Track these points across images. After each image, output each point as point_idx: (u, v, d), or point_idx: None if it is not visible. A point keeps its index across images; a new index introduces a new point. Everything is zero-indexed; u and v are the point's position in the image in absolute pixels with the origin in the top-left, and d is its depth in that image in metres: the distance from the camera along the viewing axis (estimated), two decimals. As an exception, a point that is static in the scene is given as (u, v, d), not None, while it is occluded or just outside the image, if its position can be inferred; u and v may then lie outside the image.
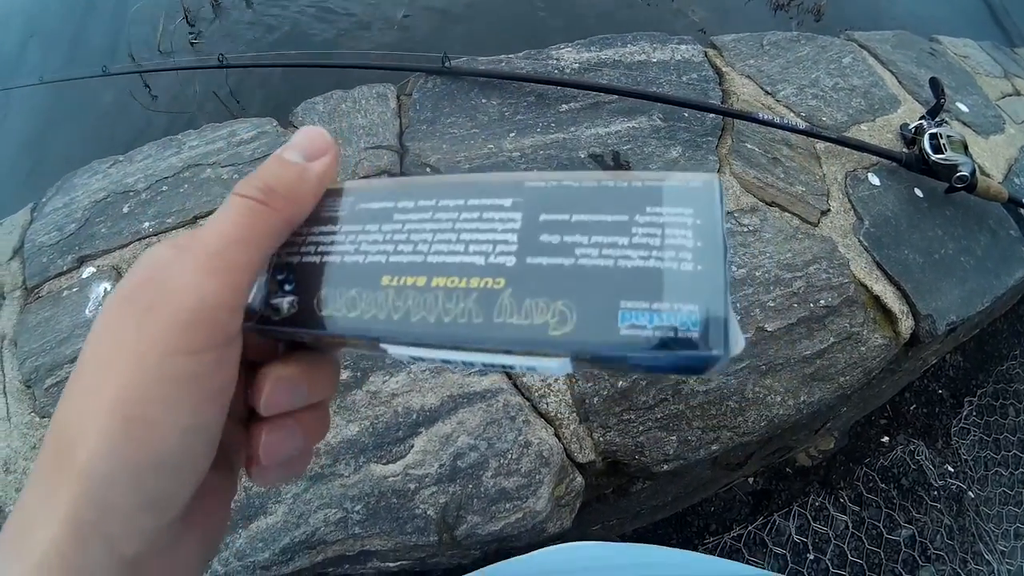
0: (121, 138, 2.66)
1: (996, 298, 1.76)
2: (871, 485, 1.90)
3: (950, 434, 2.05)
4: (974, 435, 2.06)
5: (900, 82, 2.06)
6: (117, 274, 1.45)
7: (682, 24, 2.98)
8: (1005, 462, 2.05)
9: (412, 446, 1.19)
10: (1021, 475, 2.01)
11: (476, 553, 1.20)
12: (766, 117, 1.65)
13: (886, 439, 2.01)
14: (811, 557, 1.76)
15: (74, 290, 1.43)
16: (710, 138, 1.67)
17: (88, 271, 1.47)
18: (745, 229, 1.51)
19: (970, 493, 1.94)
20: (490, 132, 1.62)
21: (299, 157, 0.39)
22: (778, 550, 1.75)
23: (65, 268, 1.49)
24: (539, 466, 1.20)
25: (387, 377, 1.24)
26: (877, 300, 1.54)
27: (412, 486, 1.16)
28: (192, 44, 2.97)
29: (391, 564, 1.18)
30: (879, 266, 1.58)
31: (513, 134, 1.62)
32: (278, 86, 2.76)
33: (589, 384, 1.26)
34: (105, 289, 1.42)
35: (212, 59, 1.91)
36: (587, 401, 1.25)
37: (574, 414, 1.25)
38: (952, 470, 1.98)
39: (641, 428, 1.28)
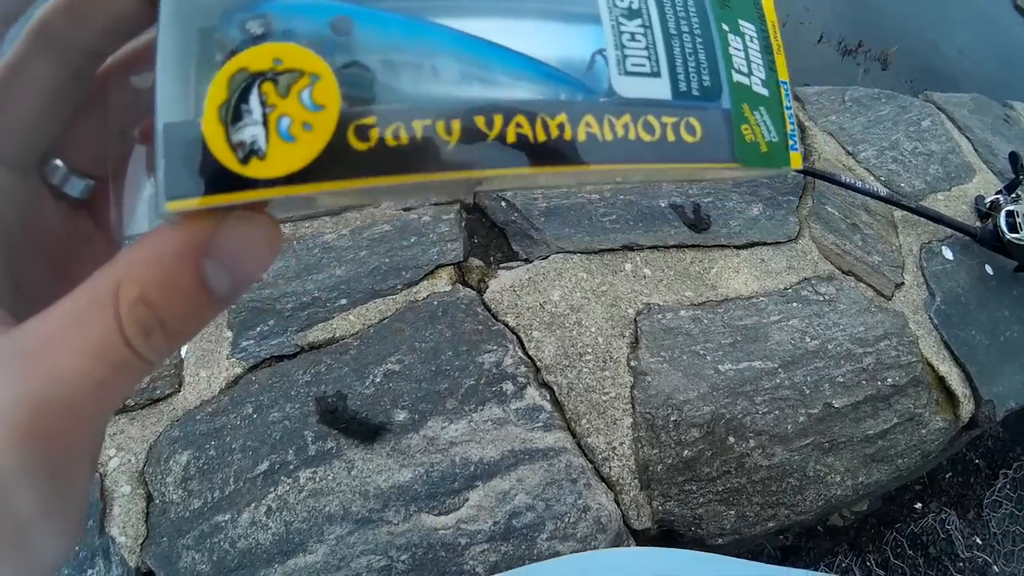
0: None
1: (1056, 383, 1.63)
2: (899, 551, 1.78)
3: (982, 505, 1.92)
4: (1006, 508, 1.93)
5: (976, 149, 1.92)
6: None
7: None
8: (1033, 538, 1.92)
9: (467, 499, 1.07)
10: (1049, 554, 1.89)
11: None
12: (848, 180, 1.52)
13: (919, 505, 1.88)
14: (834, 618, 1.65)
15: None
16: (791, 197, 1.54)
17: None
18: (821, 298, 1.38)
19: (995, 567, 1.82)
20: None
21: (225, 281, 0.22)
22: (802, 608, 1.64)
23: None
24: (596, 532, 1.08)
25: (446, 423, 1.12)
26: (942, 381, 1.42)
27: (463, 541, 1.05)
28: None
29: (432, 619, 1.07)
30: (947, 346, 1.45)
31: (593, 174, 1.49)
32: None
33: (655, 451, 1.14)
34: None
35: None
36: (651, 468, 1.13)
37: (636, 480, 1.14)
38: (980, 542, 1.86)
39: (701, 500, 1.16)
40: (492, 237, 1.33)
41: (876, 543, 1.79)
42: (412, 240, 1.27)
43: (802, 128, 1.74)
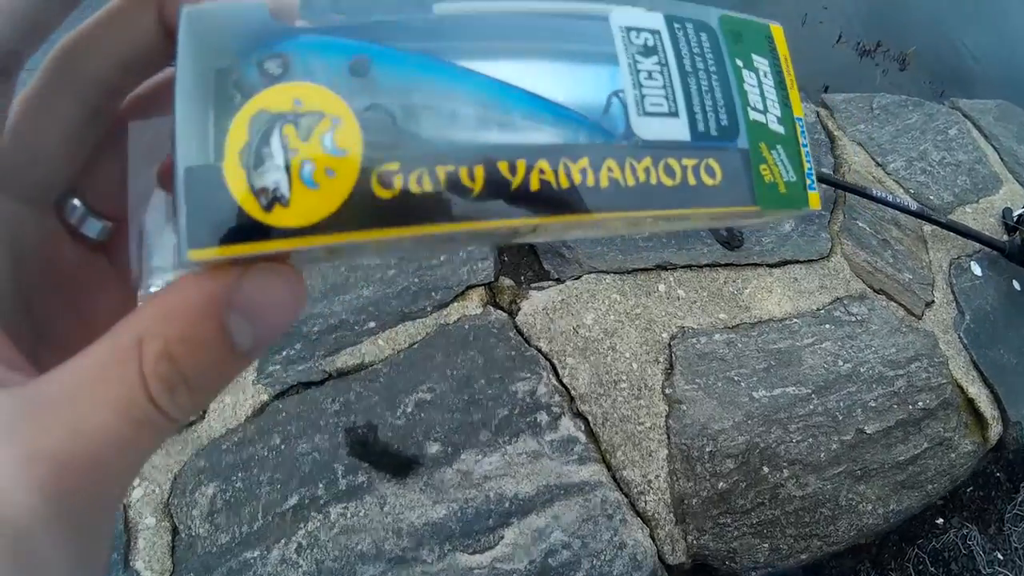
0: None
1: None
2: (921, 567, 1.76)
3: (1003, 520, 1.90)
4: (1026, 523, 1.91)
5: (1002, 159, 1.89)
6: None
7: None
8: (1055, 554, 1.91)
9: (502, 537, 1.04)
10: (1070, 571, 1.87)
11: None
12: (880, 194, 1.48)
13: (940, 521, 1.86)
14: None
15: None
16: (823, 211, 1.50)
17: None
18: (853, 319, 1.35)
19: (1015, 583, 1.80)
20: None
21: (249, 336, 0.21)
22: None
23: None
24: (631, 569, 1.05)
25: (480, 456, 1.08)
26: (971, 403, 1.40)
27: (498, 579, 1.02)
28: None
29: (467, 659, 1.04)
30: (976, 366, 1.43)
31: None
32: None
33: (690, 484, 1.11)
34: None
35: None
36: (686, 501, 1.11)
37: (671, 514, 1.11)
38: (1001, 557, 1.84)
39: (736, 533, 1.14)
40: (522, 255, 1.29)
41: (898, 560, 1.77)
42: (442, 259, 1.23)
43: (832, 138, 1.70)
